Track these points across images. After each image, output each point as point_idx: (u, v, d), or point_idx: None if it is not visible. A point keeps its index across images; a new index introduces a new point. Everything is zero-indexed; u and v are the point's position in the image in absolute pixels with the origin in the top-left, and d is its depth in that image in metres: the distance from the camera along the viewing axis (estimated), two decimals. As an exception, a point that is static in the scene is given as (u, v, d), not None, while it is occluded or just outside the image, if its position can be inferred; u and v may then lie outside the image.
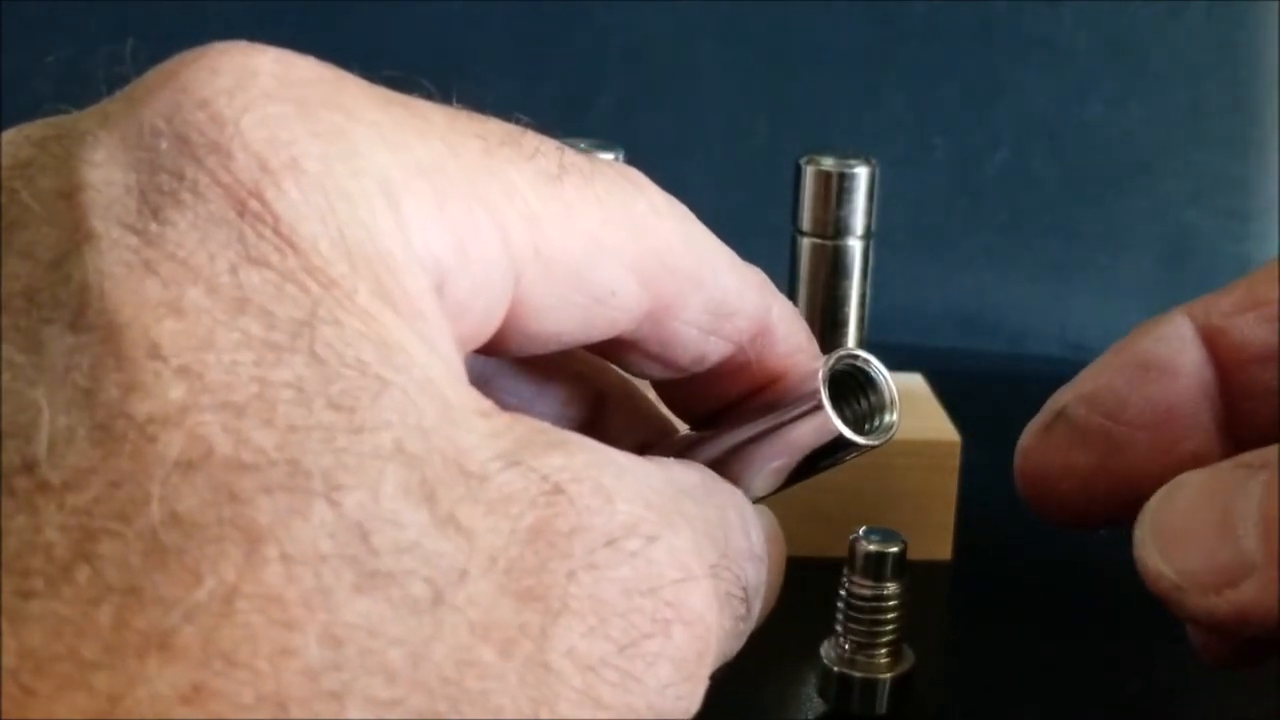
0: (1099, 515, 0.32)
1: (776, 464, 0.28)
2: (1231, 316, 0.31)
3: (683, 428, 0.31)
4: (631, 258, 0.25)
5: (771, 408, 0.28)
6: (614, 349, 0.27)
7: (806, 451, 0.28)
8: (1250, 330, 0.31)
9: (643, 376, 0.29)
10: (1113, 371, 0.31)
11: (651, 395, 0.31)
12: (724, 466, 0.28)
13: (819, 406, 0.27)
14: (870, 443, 0.28)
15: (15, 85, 0.58)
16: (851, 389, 0.28)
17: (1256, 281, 0.31)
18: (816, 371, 0.28)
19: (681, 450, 0.29)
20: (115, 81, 0.23)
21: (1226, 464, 0.28)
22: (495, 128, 0.24)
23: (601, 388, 0.30)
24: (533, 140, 0.24)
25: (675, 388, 0.29)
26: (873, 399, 0.29)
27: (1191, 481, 0.28)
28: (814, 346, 0.29)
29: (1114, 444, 0.31)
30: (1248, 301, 0.31)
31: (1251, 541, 0.26)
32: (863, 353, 0.28)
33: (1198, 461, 0.30)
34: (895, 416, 0.28)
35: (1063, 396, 0.32)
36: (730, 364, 0.28)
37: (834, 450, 0.28)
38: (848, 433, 0.27)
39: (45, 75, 0.59)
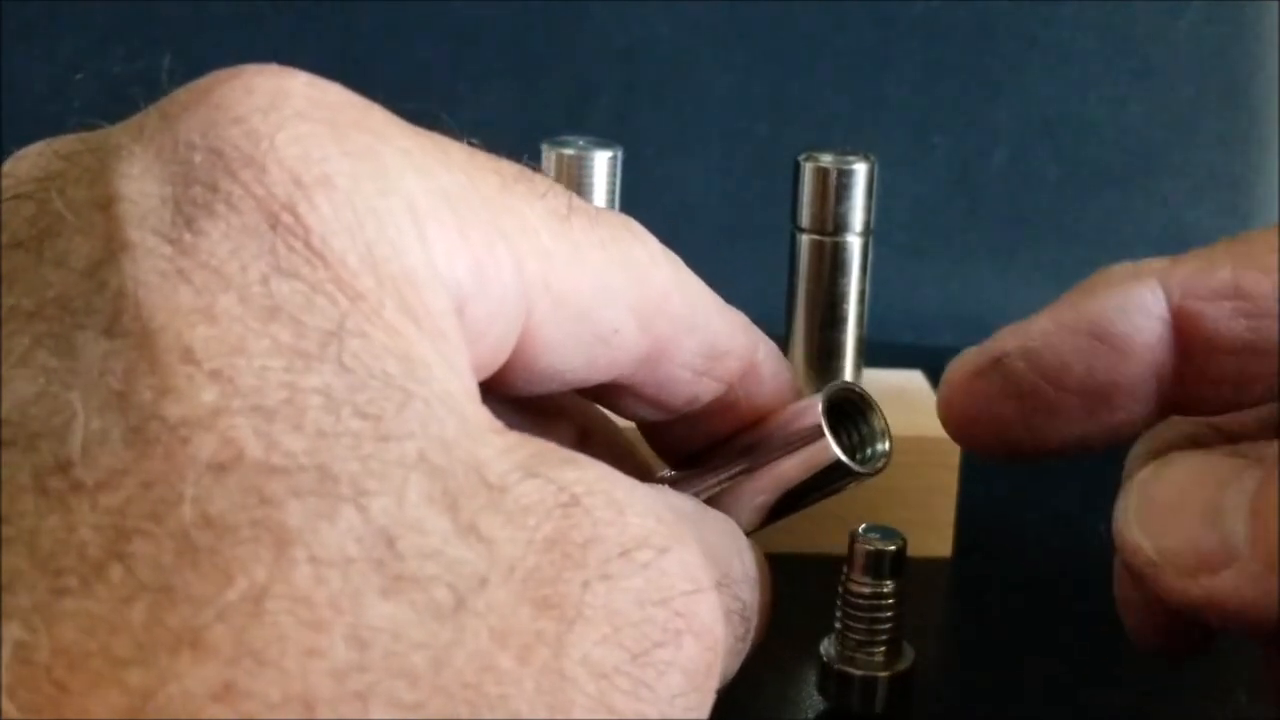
0: (1006, 455, 0.30)
1: (764, 498, 0.29)
2: (1209, 302, 0.29)
3: (660, 469, 0.31)
4: (632, 301, 0.26)
5: (760, 442, 0.29)
6: (609, 393, 0.28)
7: (800, 481, 0.29)
8: (1225, 322, 0.28)
9: (634, 419, 0.30)
10: (1064, 333, 0.29)
11: (631, 434, 0.31)
12: (711, 502, 0.29)
13: (818, 435, 0.28)
14: (865, 471, 0.29)
15: (15, 85, 0.58)
16: (842, 422, 0.29)
17: (1242, 269, 0.29)
18: (815, 402, 0.28)
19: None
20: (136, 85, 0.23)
21: (1220, 450, 0.28)
22: (509, 166, 0.25)
23: (584, 424, 0.31)
24: (543, 181, 0.25)
25: (662, 427, 0.30)
26: (864, 431, 0.30)
27: (1184, 462, 0.28)
28: (797, 383, 0.30)
29: (1044, 405, 0.29)
30: (1229, 291, 0.29)
31: (1239, 532, 0.26)
32: (856, 385, 0.29)
33: (1121, 432, 0.29)
34: (887, 446, 0.29)
35: (1006, 342, 0.30)
36: (719, 403, 0.29)
37: (829, 480, 0.29)
38: (845, 459, 0.28)
39: (45, 75, 0.59)
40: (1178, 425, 0.31)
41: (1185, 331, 0.28)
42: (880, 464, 0.29)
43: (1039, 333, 0.29)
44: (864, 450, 0.29)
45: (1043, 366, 0.29)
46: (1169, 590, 0.27)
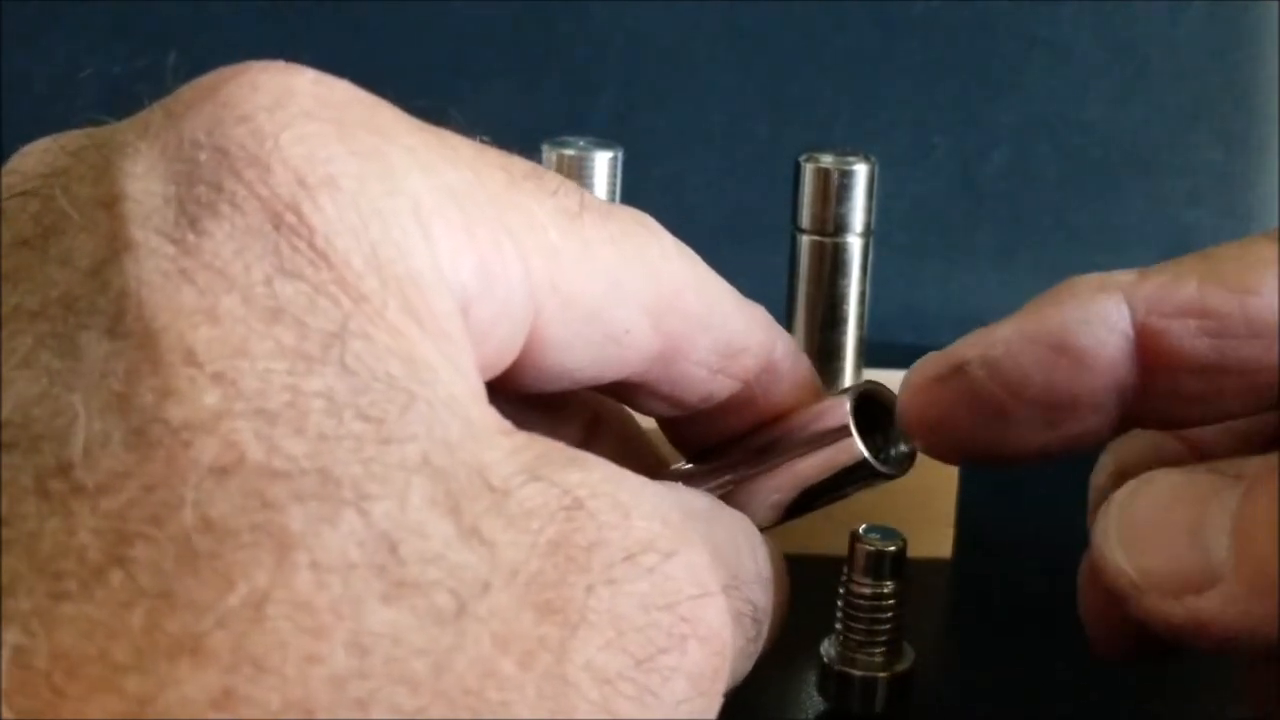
0: (964, 460, 0.30)
1: (781, 495, 0.29)
2: (1173, 319, 0.27)
3: (673, 461, 0.31)
4: (645, 299, 0.26)
5: (780, 439, 0.29)
6: (623, 390, 0.28)
7: (820, 480, 0.28)
8: (1189, 340, 0.27)
9: (649, 415, 0.29)
10: (1025, 343, 0.28)
11: (644, 426, 0.31)
12: (727, 498, 0.29)
13: (844, 434, 0.28)
14: (889, 471, 0.28)
15: (15, 85, 0.58)
16: (865, 421, 0.29)
17: (1208, 286, 0.27)
18: (842, 401, 0.28)
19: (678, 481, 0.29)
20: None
21: (1200, 468, 0.27)
22: (519, 163, 0.25)
23: (596, 413, 0.31)
24: (554, 178, 0.25)
25: (679, 422, 0.30)
26: (890, 431, 0.29)
27: (1164, 481, 0.27)
28: (817, 380, 0.30)
29: (1003, 414, 0.28)
30: (1195, 309, 0.27)
31: (1222, 552, 0.25)
32: (882, 385, 0.29)
33: (1081, 442, 0.28)
34: (910, 448, 0.29)
35: (969, 350, 0.29)
36: (736, 400, 0.29)
37: (850, 479, 0.28)
38: (870, 459, 0.28)
39: (45, 75, 0.59)
40: (1144, 438, 0.31)
41: (1148, 348, 0.27)
42: (904, 465, 0.29)
43: (1001, 341, 0.28)
44: (886, 451, 0.29)
45: (1003, 376, 0.28)
46: (1151, 612, 0.26)
